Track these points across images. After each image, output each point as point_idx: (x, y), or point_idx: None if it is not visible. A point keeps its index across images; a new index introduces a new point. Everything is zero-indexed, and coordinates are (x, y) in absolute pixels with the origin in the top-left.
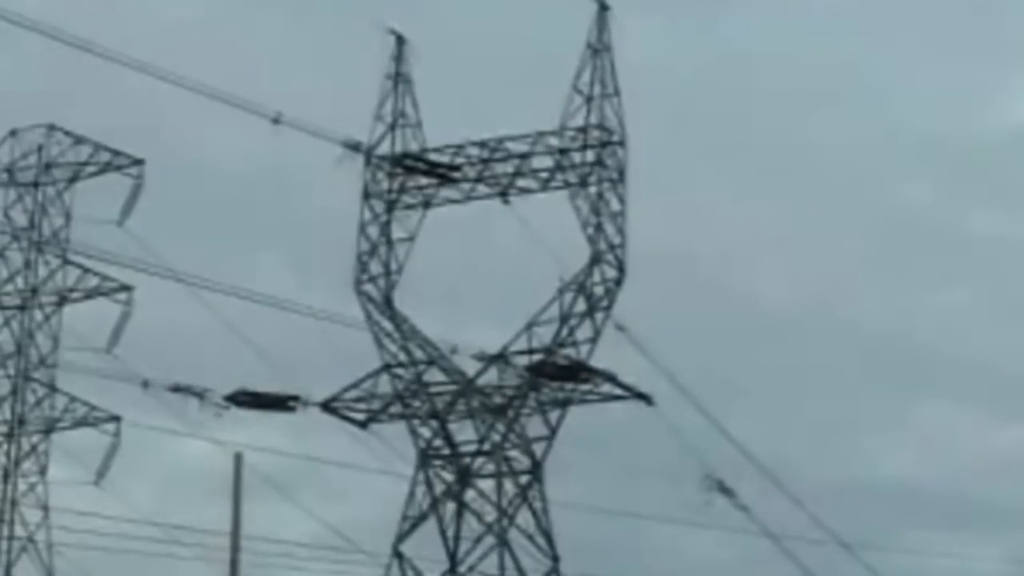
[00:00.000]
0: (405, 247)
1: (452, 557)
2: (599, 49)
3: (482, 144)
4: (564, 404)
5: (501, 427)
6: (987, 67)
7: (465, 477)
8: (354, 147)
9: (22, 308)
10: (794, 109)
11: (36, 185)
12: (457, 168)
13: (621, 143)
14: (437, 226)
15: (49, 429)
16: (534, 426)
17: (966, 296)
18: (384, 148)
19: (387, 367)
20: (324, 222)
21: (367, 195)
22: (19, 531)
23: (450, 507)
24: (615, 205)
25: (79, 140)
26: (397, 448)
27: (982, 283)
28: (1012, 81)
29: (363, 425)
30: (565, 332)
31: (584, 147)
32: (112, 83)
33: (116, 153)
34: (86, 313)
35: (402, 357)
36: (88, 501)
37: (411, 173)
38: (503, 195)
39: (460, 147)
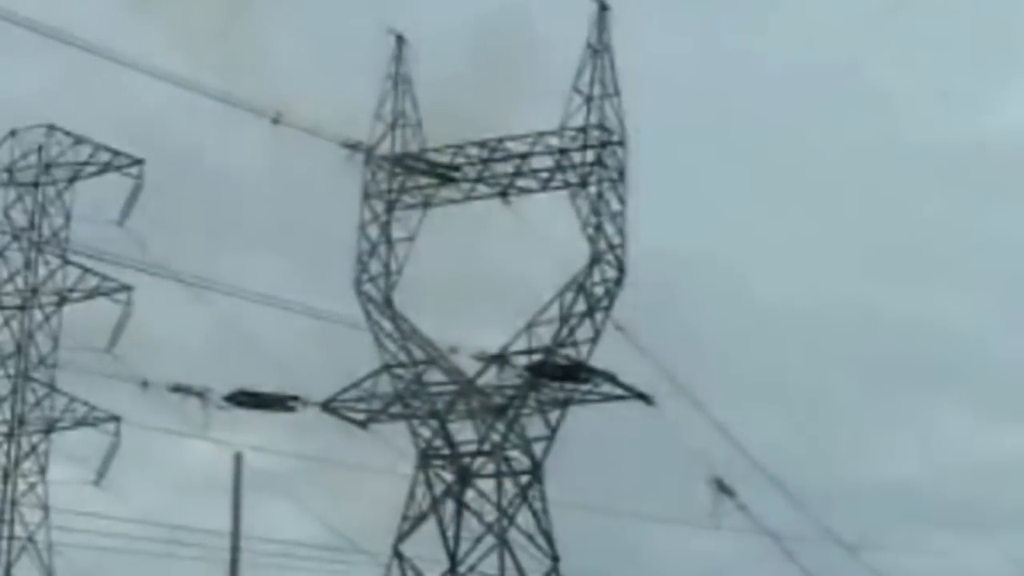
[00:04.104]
0: (405, 247)
1: (452, 557)
2: (599, 49)
3: (482, 144)
4: (564, 404)
5: (501, 427)
6: (995, 67)
7: (465, 477)
8: (354, 147)
9: (22, 308)
10: (795, 110)
11: (36, 185)
12: (457, 168)
13: (621, 143)
14: (437, 226)
15: (49, 429)
16: (534, 426)
17: (969, 299)
18: (384, 148)
19: (387, 367)
20: (324, 222)
21: (367, 195)
22: (19, 531)
23: (450, 507)
24: (615, 205)
25: (79, 140)
26: (397, 448)
27: (984, 286)
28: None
29: (363, 425)
30: (565, 332)
31: (584, 147)
32: (112, 83)
33: (116, 153)
34: (86, 313)
35: (402, 357)
36: (88, 501)
37: (411, 173)
38: (503, 195)
39: (460, 147)
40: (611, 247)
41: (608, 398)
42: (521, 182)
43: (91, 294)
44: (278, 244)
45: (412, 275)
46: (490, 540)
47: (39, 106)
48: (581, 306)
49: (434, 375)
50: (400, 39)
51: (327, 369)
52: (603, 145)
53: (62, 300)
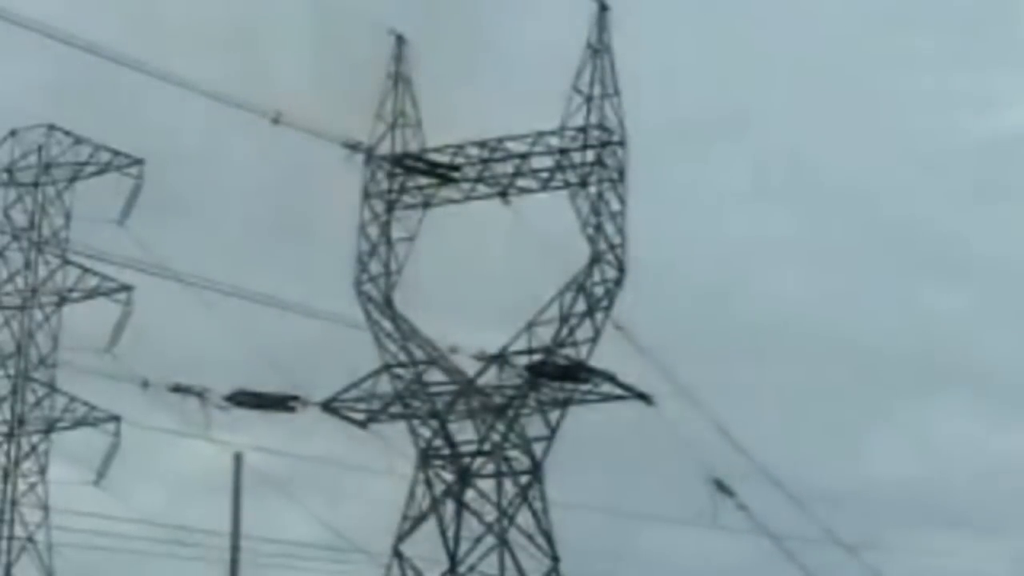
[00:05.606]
0: (405, 247)
1: (452, 557)
2: (599, 49)
3: (482, 144)
4: (564, 404)
5: (501, 427)
6: (987, 71)
7: (465, 477)
8: (354, 147)
9: (22, 308)
10: (795, 111)
11: (36, 185)
12: (457, 168)
13: (621, 143)
14: (437, 226)
15: (49, 429)
16: (534, 426)
17: (966, 300)
18: (384, 148)
19: (387, 367)
20: (324, 222)
21: (367, 195)
22: (19, 531)
23: (450, 507)
24: (615, 205)
25: (79, 140)
26: (397, 448)
27: (982, 287)
28: (1010, 84)
29: (363, 425)
30: (565, 332)
31: (584, 147)
32: (112, 83)
33: (116, 153)
34: (86, 313)
35: (402, 357)
36: (88, 501)
37: (411, 173)
38: (503, 195)
39: (460, 147)
40: (611, 247)
41: (608, 398)
42: (521, 182)
43: (91, 294)
44: (278, 244)
45: (412, 275)
46: (490, 540)
47: (39, 106)
48: (581, 306)
49: (434, 375)
50: (400, 39)
51: (327, 369)
52: (603, 145)
53: (62, 300)
